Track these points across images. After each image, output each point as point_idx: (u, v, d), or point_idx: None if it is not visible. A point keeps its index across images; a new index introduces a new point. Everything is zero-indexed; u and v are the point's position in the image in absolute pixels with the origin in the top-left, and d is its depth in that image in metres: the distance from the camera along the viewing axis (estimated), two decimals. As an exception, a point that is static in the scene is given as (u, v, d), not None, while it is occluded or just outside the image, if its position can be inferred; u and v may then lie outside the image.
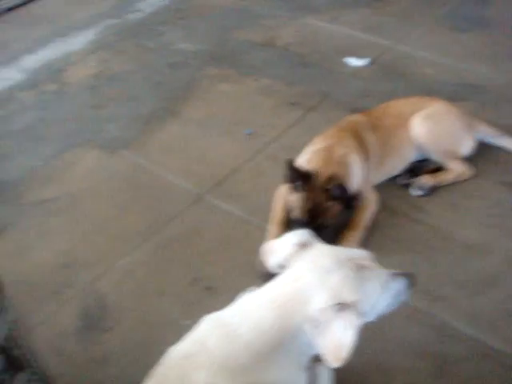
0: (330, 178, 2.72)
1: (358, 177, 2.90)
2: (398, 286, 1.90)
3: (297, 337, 1.71)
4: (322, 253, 1.85)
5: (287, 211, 2.90)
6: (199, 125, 3.71)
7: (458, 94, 3.81)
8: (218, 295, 2.65)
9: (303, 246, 1.87)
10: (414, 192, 3.11)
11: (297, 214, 2.76)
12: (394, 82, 3.95)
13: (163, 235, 2.99)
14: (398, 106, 3.24)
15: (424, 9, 4.80)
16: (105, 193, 3.27)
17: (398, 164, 3.18)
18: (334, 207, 2.75)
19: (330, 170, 2.77)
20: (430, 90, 3.78)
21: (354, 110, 3.44)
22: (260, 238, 2.88)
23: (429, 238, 2.90)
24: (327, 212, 2.74)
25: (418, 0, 4.98)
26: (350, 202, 2.79)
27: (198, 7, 5.08)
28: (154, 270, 2.82)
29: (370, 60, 4.16)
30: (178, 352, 1.79)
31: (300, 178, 2.72)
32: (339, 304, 1.66)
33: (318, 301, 1.68)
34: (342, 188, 2.71)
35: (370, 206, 2.95)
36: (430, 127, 3.13)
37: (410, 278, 1.94)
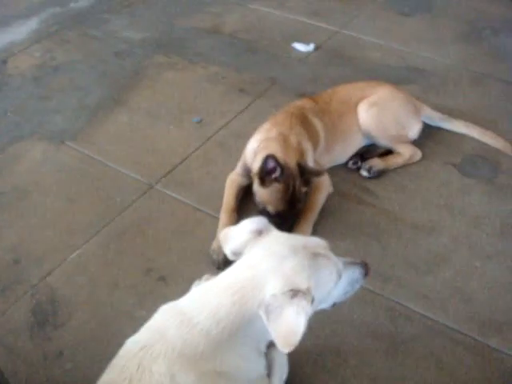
0: (300, 166, 2.72)
1: (311, 163, 2.91)
2: (353, 274, 1.94)
3: (253, 323, 1.72)
4: (278, 240, 1.86)
5: (237, 198, 2.93)
6: (147, 114, 3.68)
7: (404, 77, 3.87)
8: (172, 285, 2.65)
9: (259, 233, 1.88)
10: (364, 173, 3.16)
11: (276, 206, 2.72)
12: (341, 66, 3.98)
13: (114, 227, 2.96)
14: (345, 91, 3.26)
15: (368, -7, 4.86)
16: (53, 186, 3.21)
17: (346, 149, 3.21)
18: (304, 192, 2.79)
19: (293, 158, 2.75)
20: (376, 73, 3.83)
21: (302, 96, 3.46)
22: (211, 226, 2.88)
23: (379, 220, 2.94)
24: (302, 199, 2.76)
25: (363, -15, 5.01)
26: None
27: (143, -6, 5.02)
28: (107, 262, 2.79)
29: (317, 45, 4.18)
30: (135, 343, 1.78)
31: (279, 170, 2.65)
32: (292, 290, 1.67)
33: (272, 287, 1.70)
34: (315, 171, 2.79)
35: (322, 190, 2.96)
36: (375, 114, 3.17)
37: (364, 267, 1.98)
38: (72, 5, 4.93)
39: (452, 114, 3.52)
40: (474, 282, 2.65)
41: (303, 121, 3.01)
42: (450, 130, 3.38)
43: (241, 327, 1.72)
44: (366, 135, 3.20)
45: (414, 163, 3.22)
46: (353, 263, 1.96)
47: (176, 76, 4.00)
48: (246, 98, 3.76)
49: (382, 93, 3.24)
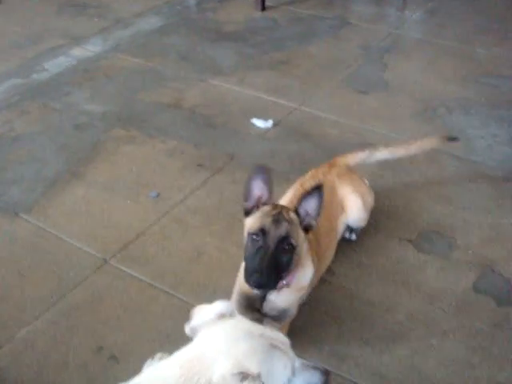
0: (301, 194, 2.49)
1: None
2: (311, 377, 1.83)
3: None
4: (237, 324, 1.82)
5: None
6: (104, 187, 3.65)
7: (360, 153, 3.93)
8: (124, 364, 2.58)
9: (223, 316, 1.83)
10: (354, 236, 3.22)
11: (260, 221, 2.38)
12: (300, 142, 4.04)
13: (66, 303, 2.89)
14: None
15: (327, 72, 4.97)
16: (4, 259, 3.14)
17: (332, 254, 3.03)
18: (298, 226, 2.42)
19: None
20: (334, 150, 3.87)
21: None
22: (166, 303, 2.85)
23: (335, 297, 2.93)
24: (292, 222, 2.39)
25: (321, 64, 5.13)
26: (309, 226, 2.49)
27: (106, 68, 5.06)
28: (57, 339, 2.71)
29: (276, 121, 4.24)
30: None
31: (266, 192, 2.44)
32: (242, 373, 1.61)
33: (221, 368, 1.63)
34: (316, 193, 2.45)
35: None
36: (362, 204, 3.10)
37: (325, 374, 1.87)
38: (34, 76, 4.95)
39: (408, 189, 3.60)
40: (431, 359, 2.64)
41: None
42: (378, 160, 3.37)
43: None
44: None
45: (369, 240, 3.23)
46: (314, 367, 1.85)
47: (134, 150, 4.00)
48: (204, 173, 3.76)
49: (359, 183, 3.17)
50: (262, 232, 2.35)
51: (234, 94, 4.67)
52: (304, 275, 2.57)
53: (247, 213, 2.47)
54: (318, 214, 2.44)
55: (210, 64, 5.13)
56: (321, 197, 2.42)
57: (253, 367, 1.64)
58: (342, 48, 5.40)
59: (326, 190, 2.80)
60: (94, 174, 3.78)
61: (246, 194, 2.46)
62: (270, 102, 4.52)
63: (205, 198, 3.50)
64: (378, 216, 3.32)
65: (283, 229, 2.34)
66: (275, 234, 2.33)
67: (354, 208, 3.07)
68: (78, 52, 5.33)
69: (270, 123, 4.20)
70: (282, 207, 2.43)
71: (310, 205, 2.42)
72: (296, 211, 2.43)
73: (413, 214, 3.44)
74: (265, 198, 2.44)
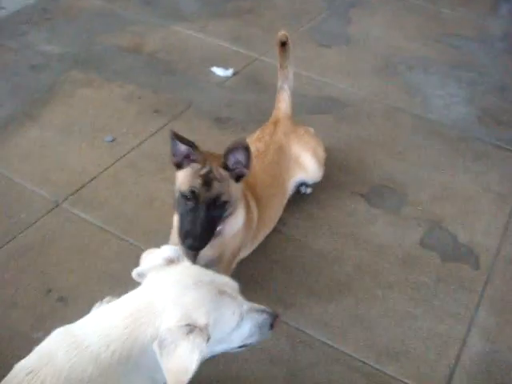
0: (227, 148, 2.40)
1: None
2: (259, 319, 1.88)
3: (146, 351, 1.66)
4: (185, 271, 1.83)
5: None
6: (59, 130, 3.60)
7: (319, 106, 3.95)
8: (73, 306, 2.60)
9: (171, 261, 1.85)
10: (309, 190, 3.25)
11: (190, 182, 2.35)
12: (258, 92, 4.02)
13: (16, 244, 2.88)
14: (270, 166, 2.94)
15: (290, 24, 4.91)
16: (-46, 199, 3.11)
17: (278, 213, 3.04)
18: (229, 180, 2.40)
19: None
20: (293, 101, 3.87)
21: (217, 120, 3.48)
22: (117, 247, 2.85)
23: (285, 246, 2.97)
24: (223, 179, 2.37)
25: (285, 14, 5.09)
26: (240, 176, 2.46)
27: (65, 9, 4.94)
28: (5, 280, 2.71)
29: (235, 70, 4.21)
30: (23, 367, 1.70)
31: (188, 146, 2.39)
32: (189, 325, 1.63)
33: (169, 318, 1.66)
34: (241, 149, 2.39)
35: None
36: (317, 166, 3.14)
37: (273, 316, 1.92)
38: (-10, 14, 4.81)
39: (363, 143, 3.64)
40: (375, 310, 2.71)
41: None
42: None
43: (132, 353, 1.66)
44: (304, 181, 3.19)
45: (321, 192, 3.26)
46: (262, 310, 1.90)
47: (91, 93, 3.94)
48: (161, 119, 3.73)
49: (308, 140, 3.16)
50: (193, 194, 2.34)
51: (196, 41, 4.61)
52: (236, 221, 2.57)
53: (178, 166, 2.44)
54: (248, 163, 2.41)
55: (173, 9, 5.05)
56: (246, 149, 2.39)
57: (201, 318, 1.66)
58: (307, 0, 5.35)
59: (272, 150, 2.93)
60: (49, 117, 3.72)
61: (172, 150, 2.43)
62: (231, 51, 4.48)
63: (160, 145, 3.47)
64: (331, 169, 3.35)
65: (214, 190, 2.34)
66: (206, 195, 2.33)
67: (308, 168, 3.10)
68: (38, -10, 5.18)
69: (229, 72, 4.17)
70: (212, 163, 2.38)
71: (238, 156, 2.39)
72: (225, 166, 2.39)
73: (366, 169, 3.48)
74: (192, 155, 2.40)
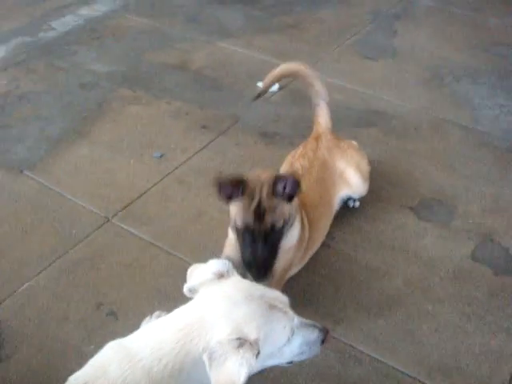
0: (274, 176, 2.37)
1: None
2: (310, 335, 1.88)
3: (197, 364, 1.67)
4: (235, 285, 1.84)
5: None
6: (108, 147, 3.67)
7: (365, 119, 3.93)
8: (123, 320, 2.62)
9: (221, 276, 1.86)
10: (357, 204, 3.23)
11: (242, 217, 2.36)
12: (304, 106, 3.98)
13: (68, 259, 2.92)
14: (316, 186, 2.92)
15: (335, 37, 4.93)
16: (8, 215, 3.18)
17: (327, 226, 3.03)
18: (281, 204, 2.37)
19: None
20: (337, 115, 3.84)
21: (264, 135, 3.49)
22: (166, 261, 2.88)
23: (333, 261, 2.95)
24: (275, 208, 2.35)
25: (330, 29, 5.10)
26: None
27: (113, 28, 5.05)
28: (57, 295, 2.75)
29: (282, 85, 4.22)
30: (77, 380, 1.73)
31: (233, 187, 2.36)
32: (239, 339, 1.64)
33: (220, 332, 1.66)
34: (290, 181, 2.36)
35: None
36: (362, 180, 3.11)
37: (324, 332, 1.92)
38: (41, 35, 4.94)
39: (411, 156, 3.60)
40: (425, 325, 2.66)
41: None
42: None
43: (184, 367, 1.67)
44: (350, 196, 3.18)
45: (370, 205, 3.24)
46: (312, 325, 1.90)
47: (139, 110, 4.01)
48: (208, 134, 3.77)
49: (351, 154, 3.12)
50: (247, 230, 2.35)
51: (241, 56, 4.65)
52: (291, 236, 2.55)
53: (228, 199, 2.41)
54: (295, 188, 2.36)
55: (218, 26, 5.11)
56: (296, 182, 2.35)
57: (252, 332, 1.67)
58: (352, 13, 5.35)
59: (317, 167, 2.91)
60: (98, 134, 3.79)
61: (218, 193, 2.40)
62: (276, 66, 4.48)
63: (208, 160, 3.51)
64: (379, 183, 3.33)
65: (267, 222, 2.33)
66: (261, 229, 2.33)
67: (353, 182, 3.08)
68: (86, 11, 5.32)
69: (275, 87, 4.17)
70: (261, 193, 2.33)
71: (285, 185, 2.35)
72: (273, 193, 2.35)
73: (415, 182, 3.44)
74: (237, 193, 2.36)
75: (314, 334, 1.89)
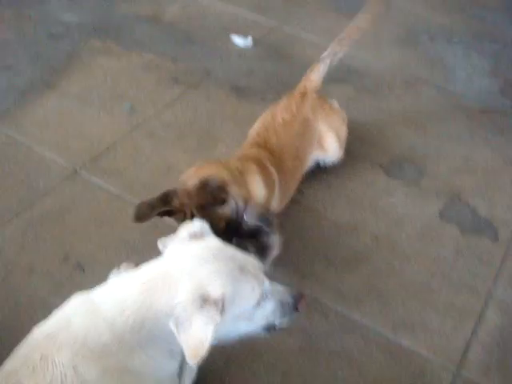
0: (197, 189, 2.31)
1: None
2: (283, 301, 1.86)
3: (161, 322, 1.64)
4: (206, 245, 1.81)
5: None
6: (77, 99, 3.60)
7: (338, 77, 3.87)
8: (90, 273, 2.62)
9: (195, 236, 1.83)
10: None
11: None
12: (278, 61, 3.99)
13: (34, 211, 2.89)
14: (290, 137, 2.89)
15: (311, -9, 4.87)
16: (-27, 166, 3.13)
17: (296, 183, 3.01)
18: (216, 209, 2.31)
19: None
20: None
21: (236, 89, 3.45)
22: (134, 215, 2.85)
23: (303, 217, 2.96)
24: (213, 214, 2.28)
25: (306, -17, 5.01)
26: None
27: (84, -23, 4.91)
28: (24, 247, 2.73)
29: (255, 39, 4.16)
30: (42, 331, 1.71)
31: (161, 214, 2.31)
32: (202, 297, 1.61)
33: (182, 288, 1.64)
34: (216, 189, 2.31)
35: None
36: (338, 147, 3.12)
37: (298, 297, 1.90)
38: (8, -17, 4.79)
39: (383, 114, 3.59)
40: (392, 281, 2.70)
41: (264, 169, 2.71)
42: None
43: (146, 323, 1.65)
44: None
45: (341, 163, 3.22)
46: (286, 291, 1.88)
47: (110, 62, 3.93)
48: (179, 88, 3.72)
49: (333, 118, 3.13)
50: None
51: (215, 9, 4.56)
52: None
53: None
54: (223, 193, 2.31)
55: (192, -22, 4.99)
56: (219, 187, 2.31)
57: (216, 290, 1.64)
58: (329, -31, 5.26)
59: (298, 122, 2.89)
60: (67, 85, 3.71)
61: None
62: (251, 20, 4.43)
63: (178, 113, 3.47)
64: (351, 140, 3.29)
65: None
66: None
67: (329, 149, 3.08)
68: (57, -42, 5.15)
69: (249, 41, 4.12)
70: (190, 208, 2.26)
71: (212, 192, 2.30)
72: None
73: (386, 140, 3.44)
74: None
75: (287, 300, 1.88)
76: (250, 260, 1.82)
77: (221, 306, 1.62)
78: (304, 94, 3.06)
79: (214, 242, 1.84)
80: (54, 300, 2.37)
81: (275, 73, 3.83)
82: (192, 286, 1.64)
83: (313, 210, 3.00)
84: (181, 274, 1.67)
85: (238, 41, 4.14)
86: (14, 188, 3.01)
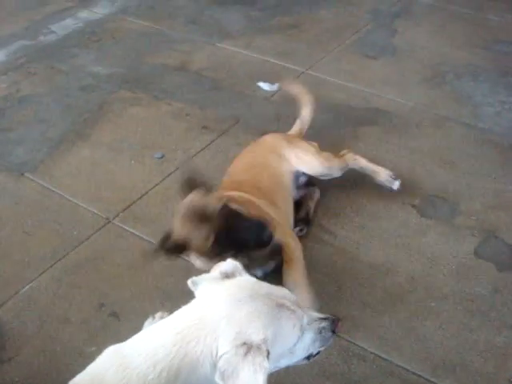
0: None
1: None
2: (319, 328, 1.82)
3: (197, 368, 1.59)
4: (239, 284, 1.76)
5: None
6: (109, 148, 3.67)
7: (367, 118, 3.91)
8: (125, 321, 2.61)
9: (227, 275, 1.80)
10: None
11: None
12: (305, 106, 4.01)
13: (69, 261, 2.92)
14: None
15: (335, 36, 4.91)
16: (10, 218, 3.18)
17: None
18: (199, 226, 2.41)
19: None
20: (339, 114, 3.88)
21: (264, 133, 3.47)
22: (167, 262, 2.85)
23: (336, 259, 2.94)
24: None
25: (330, 28, 5.07)
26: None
27: (113, 31, 5.04)
28: (59, 296, 2.75)
29: (281, 85, 4.21)
30: (76, 387, 1.70)
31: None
32: (245, 345, 1.55)
33: (222, 339, 1.57)
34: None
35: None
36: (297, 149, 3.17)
37: (334, 322, 1.86)
38: (41, 38, 4.94)
39: (413, 154, 3.59)
40: (429, 322, 2.65)
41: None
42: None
43: (181, 371, 1.59)
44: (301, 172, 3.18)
45: (372, 203, 3.22)
46: (322, 318, 1.84)
47: (140, 112, 4.01)
48: (209, 135, 3.76)
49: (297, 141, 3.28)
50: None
51: (241, 57, 4.64)
52: None
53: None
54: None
55: (218, 27, 5.09)
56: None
57: (257, 333, 1.58)
58: (352, 13, 5.33)
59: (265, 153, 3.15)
60: (99, 135, 3.79)
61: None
62: (276, 66, 4.49)
63: (209, 160, 3.51)
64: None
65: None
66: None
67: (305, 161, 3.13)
68: (86, 14, 5.32)
69: (275, 87, 4.17)
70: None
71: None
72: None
73: (417, 179, 3.42)
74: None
75: (324, 325, 1.83)
76: (285, 294, 1.76)
77: (265, 350, 1.56)
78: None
79: (247, 280, 1.80)
80: (90, 349, 2.42)
81: (302, 116, 3.86)
82: (231, 332, 1.58)
83: (346, 251, 2.98)
84: (217, 320, 1.61)
85: (265, 87, 4.19)
86: (48, 238, 3.05)
